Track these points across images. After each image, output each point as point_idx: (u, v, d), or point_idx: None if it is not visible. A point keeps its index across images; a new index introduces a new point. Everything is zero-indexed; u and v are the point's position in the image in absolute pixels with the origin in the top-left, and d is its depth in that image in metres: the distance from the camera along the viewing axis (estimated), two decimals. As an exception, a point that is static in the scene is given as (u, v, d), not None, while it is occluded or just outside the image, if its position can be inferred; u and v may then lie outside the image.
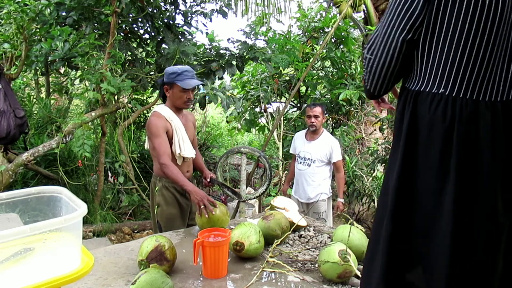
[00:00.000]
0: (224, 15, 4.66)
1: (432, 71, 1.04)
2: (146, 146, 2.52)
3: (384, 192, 1.16)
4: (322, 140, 3.52)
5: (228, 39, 4.68)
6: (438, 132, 1.00)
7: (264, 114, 6.05)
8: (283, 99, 6.35)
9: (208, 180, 2.56)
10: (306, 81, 5.90)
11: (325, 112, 3.59)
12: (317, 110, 3.48)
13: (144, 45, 4.90)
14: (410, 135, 1.07)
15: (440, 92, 1.02)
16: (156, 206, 2.45)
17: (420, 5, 1.01)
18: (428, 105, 1.03)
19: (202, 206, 2.06)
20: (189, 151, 2.44)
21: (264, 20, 6.76)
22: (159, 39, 4.51)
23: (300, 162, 3.56)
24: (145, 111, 6.00)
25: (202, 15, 4.68)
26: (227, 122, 7.13)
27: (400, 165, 1.07)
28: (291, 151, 3.82)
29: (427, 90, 1.05)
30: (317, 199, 3.51)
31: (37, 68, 4.61)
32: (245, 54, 4.55)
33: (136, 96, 5.77)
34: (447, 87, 1.01)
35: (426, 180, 1.04)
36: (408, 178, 1.06)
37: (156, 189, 2.46)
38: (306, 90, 6.45)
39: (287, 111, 6.31)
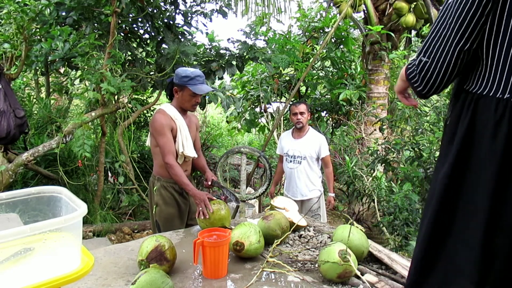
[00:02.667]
0: (224, 15, 4.66)
1: (497, 75, 1.00)
2: (148, 143, 2.53)
3: (430, 196, 1.14)
4: (310, 136, 3.57)
5: (228, 39, 4.68)
6: (501, 140, 0.96)
7: (264, 114, 6.05)
8: (283, 99, 6.35)
9: (210, 183, 2.57)
10: (306, 81, 5.91)
11: (309, 109, 3.64)
12: (302, 107, 3.53)
13: (144, 45, 4.90)
14: (467, 139, 1.03)
15: (505, 97, 0.98)
16: (154, 206, 2.46)
17: (482, 6, 0.97)
18: (493, 110, 0.99)
19: (200, 208, 2.11)
20: (191, 151, 2.45)
21: (264, 20, 6.76)
22: (159, 39, 4.51)
23: (290, 161, 3.59)
24: (145, 111, 6.01)
25: (202, 15, 4.68)
26: (227, 122, 7.13)
27: (450, 168, 1.04)
28: (278, 152, 3.83)
29: (491, 94, 1.00)
30: (311, 196, 3.54)
31: (37, 68, 4.61)
32: (245, 54, 4.55)
33: (136, 96, 5.77)
34: None
35: (481, 186, 1.00)
36: (458, 182, 1.04)
37: (154, 188, 2.47)
38: (306, 90, 6.45)
39: (287, 111, 6.31)
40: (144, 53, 5.01)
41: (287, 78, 6.16)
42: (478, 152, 1.01)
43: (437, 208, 1.07)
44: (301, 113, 3.51)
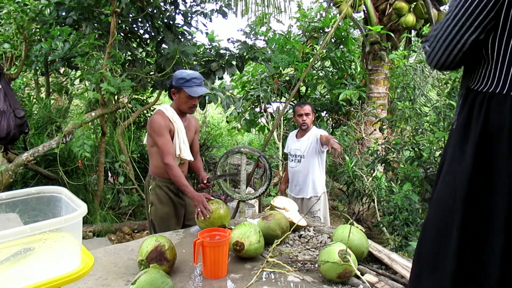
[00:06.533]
0: (224, 15, 4.66)
1: (509, 71, 0.97)
2: (145, 141, 2.52)
3: (443, 200, 1.09)
4: (310, 134, 3.55)
5: (228, 39, 4.68)
6: None
7: (264, 114, 6.05)
8: (283, 99, 6.35)
9: (205, 181, 2.56)
10: (306, 81, 5.91)
11: (313, 110, 3.65)
12: (307, 108, 3.51)
13: (144, 45, 4.90)
14: (483, 139, 0.99)
15: None
16: (149, 205, 2.46)
17: (493, 1, 0.95)
18: (508, 108, 0.95)
19: (199, 209, 2.11)
20: (187, 154, 2.45)
21: (264, 20, 6.76)
22: (159, 39, 4.51)
23: (292, 160, 3.60)
24: (145, 111, 6.01)
25: (202, 15, 4.67)
26: (227, 122, 7.13)
27: (470, 170, 0.99)
28: (285, 151, 3.85)
29: (504, 92, 0.97)
30: (312, 195, 3.51)
31: (37, 68, 4.60)
32: (245, 54, 4.54)
33: (136, 96, 5.77)
34: None
35: (500, 189, 0.96)
36: (480, 184, 0.99)
37: (149, 188, 2.46)
38: (306, 90, 6.45)
39: (287, 111, 6.31)
40: (144, 53, 5.01)
41: (287, 78, 6.16)
42: (497, 151, 0.97)
43: (464, 213, 1.01)
44: (306, 114, 3.48)
